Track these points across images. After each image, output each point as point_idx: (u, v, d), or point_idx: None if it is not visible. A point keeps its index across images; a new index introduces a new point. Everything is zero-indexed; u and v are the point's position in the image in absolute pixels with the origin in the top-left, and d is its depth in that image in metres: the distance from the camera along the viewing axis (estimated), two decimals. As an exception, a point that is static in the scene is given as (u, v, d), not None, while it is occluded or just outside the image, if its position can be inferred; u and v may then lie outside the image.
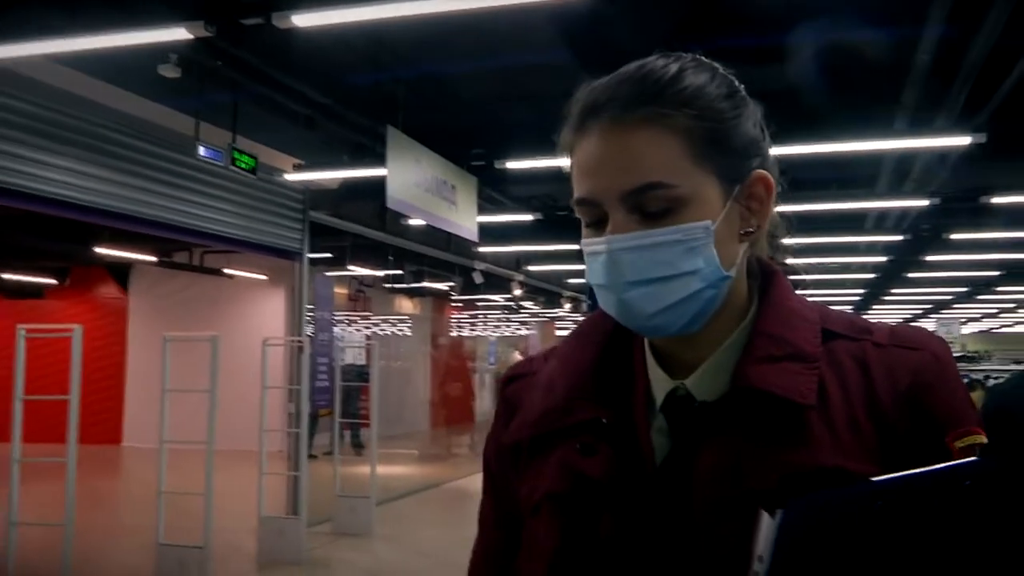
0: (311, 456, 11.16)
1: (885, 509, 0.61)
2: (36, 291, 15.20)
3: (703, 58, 0.90)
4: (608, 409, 0.90)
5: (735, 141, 0.86)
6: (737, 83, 0.90)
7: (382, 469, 8.74)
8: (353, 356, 13.10)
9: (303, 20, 4.50)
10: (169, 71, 5.64)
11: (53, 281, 14.91)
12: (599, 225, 0.86)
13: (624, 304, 0.84)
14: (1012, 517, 0.63)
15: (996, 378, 6.45)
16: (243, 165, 6.68)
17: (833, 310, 0.94)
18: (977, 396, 4.40)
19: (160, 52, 5.56)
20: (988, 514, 0.62)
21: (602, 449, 0.88)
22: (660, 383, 0.91)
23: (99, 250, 11.04)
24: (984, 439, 0.81)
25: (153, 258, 12.35)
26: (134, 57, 5.47)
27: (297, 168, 8.20)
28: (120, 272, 14.62)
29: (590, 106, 0.86)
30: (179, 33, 4.62)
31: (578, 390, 0.92)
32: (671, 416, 0.89)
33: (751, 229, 0.89)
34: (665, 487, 0.85)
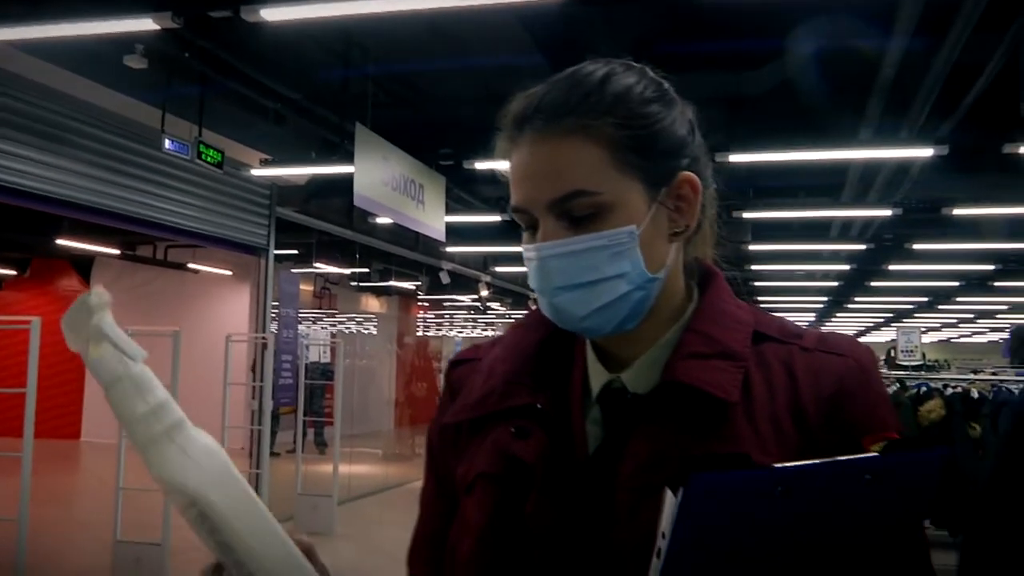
0: (274, 454, 11.07)
1: (785, 495, 0.63)
2: (-5, 283, 14.94)
3: (632, 62, 0.93)
4: (544, 396, 0.94)
5: (660, 145, 0.89)
6: (666, 85, 0.93)
7: (344, 468, 8.69)
8: (318, 354, 13.02)
9: (272, 14, 4.45)
10: (135, 62, 5.56)
11: (12, 272, 14.65)
12: (534, 231, 0.89)
13: (555, 308, 0.89)
14: (904, 511, 0.68)
15: (955, 387, 6.53)
16: (209, 159, 6.61)
17: (767, 314, 0.97)
18: (936, 404, 4.46)
19: (126, 42, 5.47)
20: (883, 507, 0.66)
21: (535, 433, 0.91)
22: (597, 375, 0.94)
23: (60, 242, 10.87)
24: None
25: (116, 251, 12.19)
26: (99, 46, 5.38)
27: (264, 163, 8.13)
28: (82, 265, 14.40)
29: (519, 117, 0.89)
30: (146, 23, 4.54)
31: (516, 375, 0.96)
32: (606, 407, 0.93)
33: (679, 230, 0.92)
34: (594, 473, 0.89)
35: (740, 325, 0.92)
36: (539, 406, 0.92)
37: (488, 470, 0.92)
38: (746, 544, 0.65)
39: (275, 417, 11.02)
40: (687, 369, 0.87)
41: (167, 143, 6.27)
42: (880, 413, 0.88)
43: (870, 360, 0.91)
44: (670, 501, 0.64)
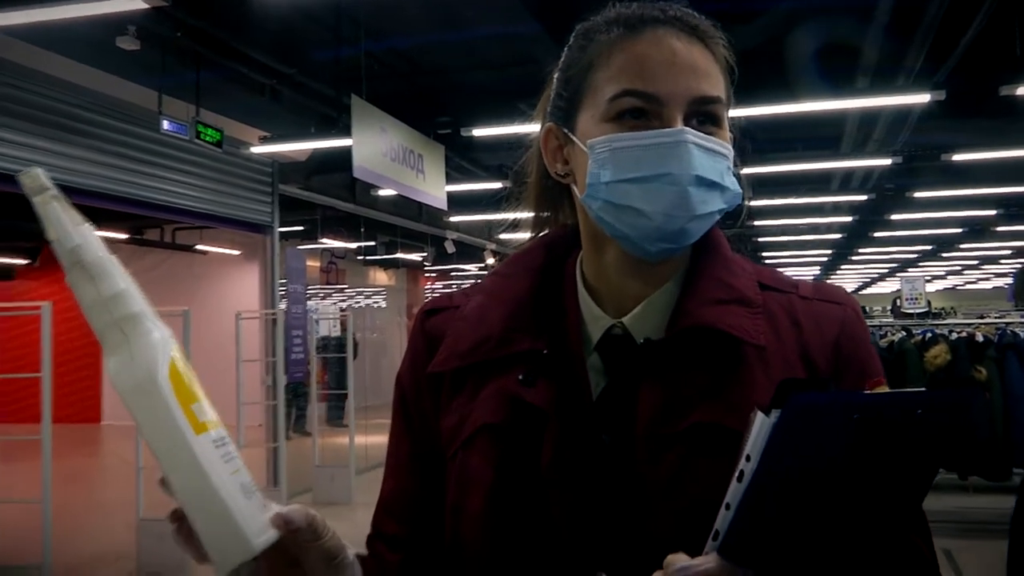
0: (306, 433, 10.93)
1: (858, 421, 0.64)
2: (7, 273, 14.95)
3: None
4: (545, 342, 0.90)
5: (732, 94, 0.92)
6: None
7: (360, 439, 8.73)
8: (328, 328, 13.02)
9: (261, -12, 4.38)
10: (128, 43, 5.49)
11: (24, 261, 14.66)
12: (635, 118, 0.85)
13: (687, 196, 0.83)
14: (944, 442, 0.69)
15: (960, 333, 6.50)
16: (208, 139, 6.56)
17: (760, 265, 0.97)
18: (941, 349, 4.47)
19: (118, 23, 5.41)
20: (925, 442, 0.68)
21: (542, 380, 0.87)
22: (597, 321, 0.91)
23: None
24: (887, 388, 0.88)
25: (124, 235, 12.19)
26: (92, 29, 5.32)
27: (263, 140, 8.07)
28: (92, 251, 14.39)
29: (648, 16, 0.87)
30: (135, 3, 4.47)
31: (515, 321, 0.91)
32: (605, 353, 0.90)
33: None
34: (604, 420, 0.86)
35: (747, 274, 0.92)
36: (545, 352, 0.88)
37: (493, 420, 0.87)
38: (818, 467, 0.66)
39: (303, 394, 11.00)
40: (716, 315, 0.86)
41: (165, 124, 6.21)
42: (873, 357, 0.91)
43: (859, 308, 0.94)
44: (761, 422, 0.65)
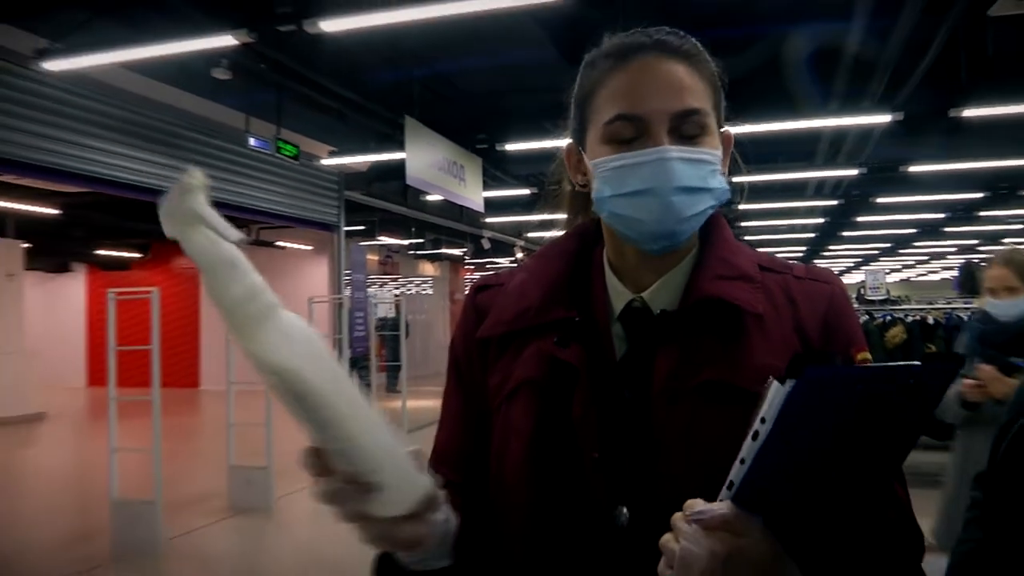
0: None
1: (861, 391, 0.62)
2: (124, 264, 15.17)
3: None
4: (576, 312, 0.89)
5: (722, 100, 0.89)
6: None
7: (412, 403, 8.77)
8: (385, 311, 13.08)
9: (330, 26, 4.41)
10: (221, 73, 5.53)
11: (138, 255, 14.87)
12: (629, 142, 0.83)
13: (670, 206, 0.82)
14: (929, 406, 0.67)
15: (914, 317, 6.42)
16: (287, 153, 6.62)
17: (758, 250, 0.95)
18: (899, 330, 4.38)
19: (212, 57, 5.45)
20: (912, 408, 0.66)
21: (573, 343, 0.87)
22: (620, 296, 0.90)
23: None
24: (870, 357, 0.86)
25: (218, 234, 12.31)
26: (192, 62, 5.39)
27: (331, 154, 8.12)
28: (192, 246, 14.55)
29: (635, 44, 0.85)
30: (226, 40, 4.53)
31: (551, 295, 0.91)
32: (627, 323, 0.89)
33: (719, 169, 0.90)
34: (626, 378, 0.85)
35: (748, 256, 0.90)
36: (576, 319, 0.88)
37: (532, 376, 0.86)
38: (823, 430, 0.64)
39: (364, 366, 11.04)
40: (721, 288, 0.84)
41: (251, 141, 6.27)
42: (858, 330, 0.89)
43: (845, 287, 0.92)
44: (776, 389, 0.62)
